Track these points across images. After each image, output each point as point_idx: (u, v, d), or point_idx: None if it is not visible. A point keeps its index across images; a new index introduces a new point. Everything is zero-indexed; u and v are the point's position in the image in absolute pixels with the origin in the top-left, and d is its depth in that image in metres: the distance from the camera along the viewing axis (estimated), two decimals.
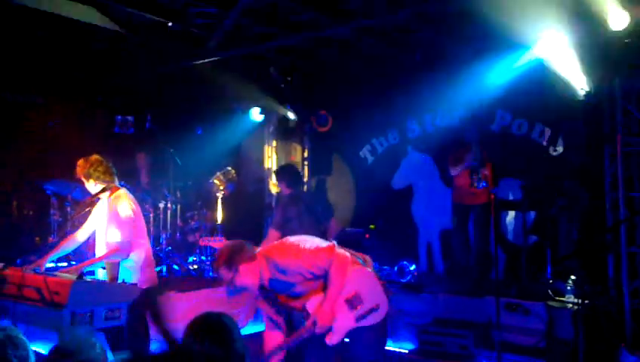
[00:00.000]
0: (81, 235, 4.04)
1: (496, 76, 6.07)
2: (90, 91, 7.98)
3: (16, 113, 7.48)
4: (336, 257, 3.12)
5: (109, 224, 3.81)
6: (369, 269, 3.32)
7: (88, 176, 3.85)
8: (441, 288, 5.78)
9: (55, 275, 3.50)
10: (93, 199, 3.86)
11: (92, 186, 3.87)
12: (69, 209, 6.56)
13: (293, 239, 3.26)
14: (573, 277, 4.95)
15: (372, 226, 7.36)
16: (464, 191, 5.76)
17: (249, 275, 3.06)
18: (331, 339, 3.13)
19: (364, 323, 3.16)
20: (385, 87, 7.12)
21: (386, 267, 6.61)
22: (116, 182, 3.96)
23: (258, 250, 3.22)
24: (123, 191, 3.97)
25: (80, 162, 3.90)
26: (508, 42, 5.64)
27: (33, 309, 3.34)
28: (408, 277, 6.00)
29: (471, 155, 5.56)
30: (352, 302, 3.14)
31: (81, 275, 3.27)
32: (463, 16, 5.55)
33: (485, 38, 5.72)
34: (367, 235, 7.28)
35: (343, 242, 7.06)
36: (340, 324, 3.13)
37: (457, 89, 6.37)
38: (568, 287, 4.90)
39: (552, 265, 5.27)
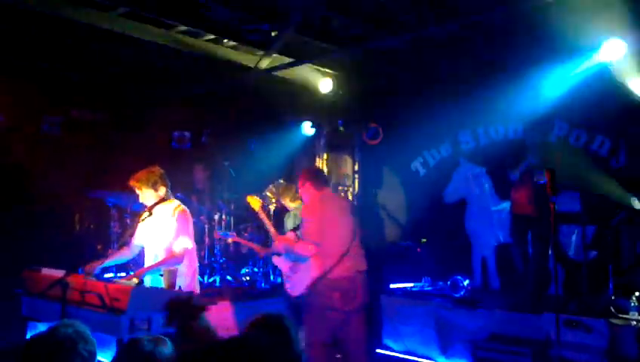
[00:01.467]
0: (134, 245, 4.19)
1: (554, 85, 5.92)
2: (149, 107, 8.29)
3: (80, 128, 7.84)
4: None
5: (165, 233, 3.93)
6: None
7: (145, 187, 3.99)
8: (497, 303, 5.62)
9: (115, 282, 3.63)
10: (151, 209, 4.00)
11: (147, 197, 4.01)
12: (128, 221, 6.80)
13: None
14: (637, 293, 4.72)
15: (423, 240, 7.28)
16: (523, 202, 5.59)
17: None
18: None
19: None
20: (437, 98, 7.06)
21: (439, 282, 6.51)
22: (170, 194, 4.10)
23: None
24: (177, 202, 4.10)
25: (137, 174, 4.05)
26: (566, 50, 5.51)
27: (95, 315, 3.47)
28: (462, 292, 5.87)
29: (530, 157, 5.43)
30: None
31: (140, 282, 3.38)
32: (518, 24, 5.46)
33: (542, 46, 5.61)
34: (418, 249, 7.20)
35: (395, 255, 7.12)
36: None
37: (512, 99, 6.24)
38: (632, 304, 4.67)
39: (614, 281, 5.03)
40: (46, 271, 4.08)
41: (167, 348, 2.19)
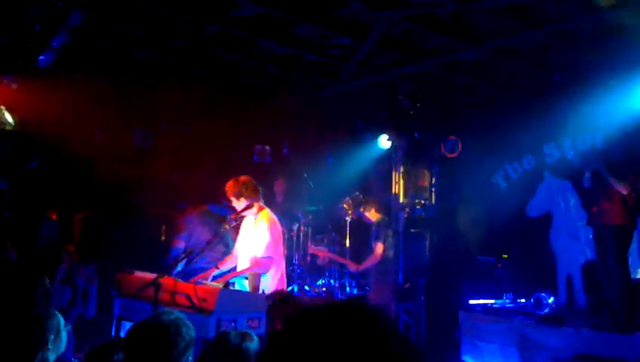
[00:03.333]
0: (236, 251, 4.39)
1: None
2: (233, 121, 8.64)
3: (168, 142, 8.29)
4: None
5: (254, 239, 4.09)
6: None
7: (239, 195, 4.19)
8: (584, 322, 5.36)
9: (204, 284, 3.82)
10: (238, 216, 4.18)
11: (240, 204, 4.20)
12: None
13: None
14: None
15: (504, 255, 7.08)
16: (602, 211, 5.32)
17: None
18: None
19: None
20: (519, 110, 6.89)
21: (521, 299, 6.30)
22: (262, 202, 4.27)
23: None
24: (268, 211, 4.26)
25: (231, 182, 4.26)
26: None
27: (184, 315, 3.67)
28: (546, 310, 5.65)
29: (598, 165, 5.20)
30: None
31: (227, 284, 3.54)
32: (605, 32, 5.26)
33: (630, 54, 5.36)
34: (499, 265, 7.00)
35: (474, 271, 6.96)
36: None
37: (601, 110, 5.99)
38: None
39: None
40: (139, 274, 4.35)
41: (254, 343, 2.29)
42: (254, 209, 4.18)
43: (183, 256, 4.11)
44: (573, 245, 6.75)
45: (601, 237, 5.35)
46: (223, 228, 4.35)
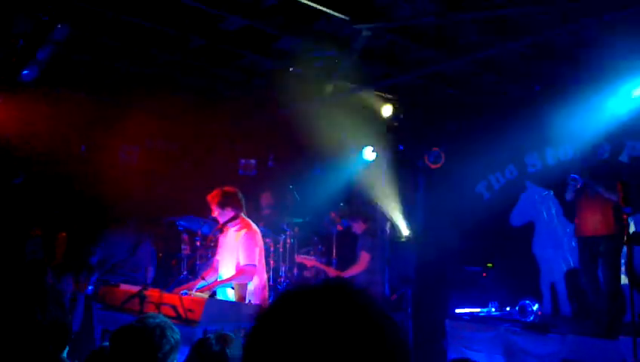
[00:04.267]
0: (216, 263, 4.41)
1: (623, 104, 5.76)
2: (217, 136, 8.66)
3: (153, 157, 8.29)
4: None
5: (238, 249, 4.11)
6: None
7: (223, 205, 4.22)
8: (569, 329, 5.41)
9: (190, 294, 3.81)
10: (221, 227, 4.20)
11: (224, 214, 4.23)
12: (198, 243, 7.07)
13: None
14: None
15: (489, 265, 7.14)
16: (589, 222, 5.35)
17: None
18: None
19: None
20: (501, 121, 7.00)
21: (506, 307, 6.36)
22: (244, 214, 4.30)
23: None
24: (250, 222, 4.29)
25: (216, 191, 4.29)
26: (632, 67, 5.38)
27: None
28: (531, 317, 5.70)
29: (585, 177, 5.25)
30: None
31: (213, 294, 3.54)
32: (583, 44, 5.40)
33: (609, 64, 5.49)
34: (484, 274, 7.07)
35: (460, 280, 7.01)
36: None
37: (581, 120, 6.09)
38: None
39: None
40: (124, 286, 4.34)
41: (235, 345, 2.30)
42: (233, 220, 4.22)
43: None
44: (557, 253, 6.84)
45: (589, 247, 5.35)
46: (207, 242, 4.38)
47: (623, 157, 6.22)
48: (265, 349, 0.81)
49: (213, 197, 4.31)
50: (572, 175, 5.28)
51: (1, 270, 5.10)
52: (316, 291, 0.86)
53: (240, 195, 4.41)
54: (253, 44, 5.75)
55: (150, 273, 6.29)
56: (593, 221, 5.26)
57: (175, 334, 2.12)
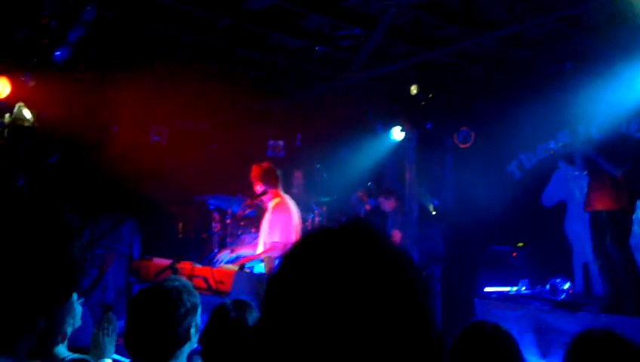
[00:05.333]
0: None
1: None
2: (245, 118, 8.72)
3: (183, 139, 8.41)
4: None
5: (268, 224, 4.18)
6: None
7: (257, 180, 4.31)
8: (600, 307, 5.33)
9: (220, 267, 3.89)
10: (254, 201, 4.27)
11: (256, 188, 4.33)
12: (228, 221, 7.17)
13: None
14: None
15: (520, 244, 7.06)
16: (596, 196, 5.28)
17: None
18: None
19: None
20: (532, 99, 6.86)
21: (537, 286, 6.29)
22: (281, 190, 4.39)
23: None
24: (283, 198, 4.35)
25: (253, 167, 4.41)
26: None
27: (201, 298, 3.75)
28: (562, 296, 5.64)
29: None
30: None
31: (242, 266, 3.60)
32: (614, 19, 5.24)
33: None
34: (514, 253, 6.99)
35: (490, 260, 6.95)
36: None
37: (615, 98, 5.94)
38: None
39: None
40: (157, 260, 4.45)
41: (253, 313, 2.33)
42: (270, 195, 4.29)
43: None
44: (588, 233, 6.70)
45: (597, 222, 5.31)
46: (237, 215, 4.47)
47: None
48: (284, 288, 0.83)
49: (252, 172, 4.49)
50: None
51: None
52: (337, 232, 0.87)
53: (273, 170, 4.53)
54: (279, 23, 5.74)
55: (135, 247, 6.53)
56: (600, 195, 5.21)
57: (192, 297, 2.14)
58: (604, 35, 5.67)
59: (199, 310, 2.17)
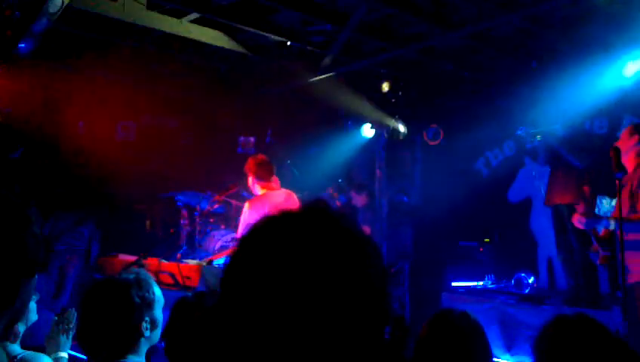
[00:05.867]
0: None
1: (620, 79, 5.75)
2: (215, 113, 8.65)
3: (151, 134, 8.29)
4: None
5: (241, 219, 4.19)
6: None
7: (251, 172, 4.35)
8: (563, 301, 5.48)
9: (187, 262, 3.86)
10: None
11: (252, 182, 4.36)
12: (197, 219, 7.11)
13: None
14: None
15: (487, 240, 7.19)
16: (557, 190, 5.44)
17: None
18: None
19: None
20: (499, 97, 6.99)
21: (503, 280, 6.42)
22: (274, 184, 4.42)
23: None
24: (270, 193, 4.36)
25: (249, 159, 4.49)
26: (629, 41, 5.36)
27: (168, 293, 3.71)
28: (527, 290, 5.77)
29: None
30: None
31: (210, 261, 3.58)
32: (581, 18, 5.38)
33: (606, 38, 5.47)
34: (481, 249, 7.12)
35: (456, 255, 7.07)
36: None
37: (579, 96, 6.10)
38: None
39: None
40: (122, 256, 4.39)
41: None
42: (257, 189, 4.36)
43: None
44: (553, 229, 6.86)
45: (559, 216, 5.46)
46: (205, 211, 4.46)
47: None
48: (241, 269, 0.83)
49: (245, 166, 4.57)
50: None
51: None
52: (294, 213, 0.88)
53: (266, 163, 4.61)
54: (249, 17, 5.71)
55: (94, 246, 6.47)
56: (561, 190, 5.36)
57: (142, 292, 2.07)
58: (569, 34, 5.81)
59: (157, 304, 2.12)
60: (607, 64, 5.75)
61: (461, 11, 5.59)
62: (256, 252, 0.83)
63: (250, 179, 4.47)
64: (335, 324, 0.77)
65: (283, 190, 4.62)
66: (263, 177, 4.40)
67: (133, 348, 2.02)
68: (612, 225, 3.69)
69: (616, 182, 3.45)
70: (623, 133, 4.13)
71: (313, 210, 0.88)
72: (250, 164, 4.52)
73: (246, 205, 4.21)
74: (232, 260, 0.87)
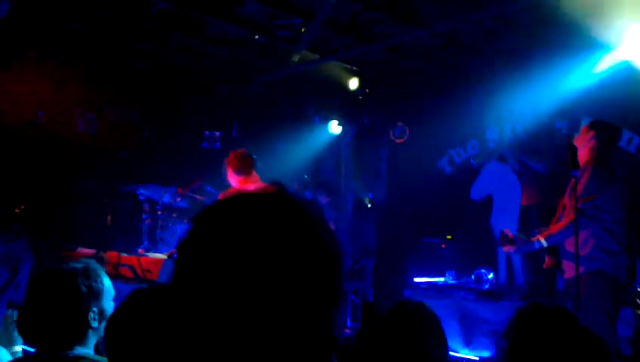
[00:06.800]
0: None
1: (580, 81, 5.92)
2: (180, 107, 8.53)
3: (113, 127, 8.12)
4: None
5: None
6: None
7: (230, 167, 4.31)
8: (523, 296, 5.62)
9: (148, 256, 3.80)
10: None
11: (232, 177, 4.32)
12: (159, 213, 7.00)
13: None
14: None
15: (449, 236, 7.30)
16: (525, 192, 5.62)
17: None
18: None
19: None
20: (463, 96, 7.10)
21: (463, 276, 6.53)
22: (254, 179, 4.39)
23: None
24: (231, 187, 4.32)
25: (230, 153, 4.43)
26: (591, 44, 5.52)
27: (128, 287, 3.65)
28: (486, 286, 5.88)
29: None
30: None
31: (171, 254, 3.53)
32: (544, 19, 5.50)
33: (569, 41, 5.62)
34: (443, 245, 7.23)
35: (419, 252, 7.15)
36: None
37: (540, 96, 6.25)
38: None
39: None
40: (81, 250, 4.29)
41: None
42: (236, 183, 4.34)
43: None
44: (513, 226, 7.01)
45: (527, 216, 5.61)
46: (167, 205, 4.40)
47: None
48: (191, 245, 0.83)
49: (226, 161, 4.52)
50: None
51: None
52: (249, 194, 0.88)
53: (245, 157, 4.58)
54: (216, 9, 5.64)
55: (25, 267, 6.01)
56: (529, 192, 5.52)
57: (90, 281, 2.01)
58: (532, 35, 5.95)
59: (106, 295, 2.08)
60: (569, 66, 5.90)
61: (428, 10, 5.65)
62: (205, 229, 0.83)
63: (229, 173, 4.45)
64: (284, 304, 0.78)
65: (262, 184, 4.60)
66: (241, 171, 4.41)
67: (80, 339, 1.97)
68: (544, 243, 3.88)
69: (572, 179, 3.57)
70: (581, 129, 4.28)
71: (268, 192, 0.88)
72: (229, 157, 4.52)
73: (219, 198, 4.19)
74: (183, 238, 0.87)
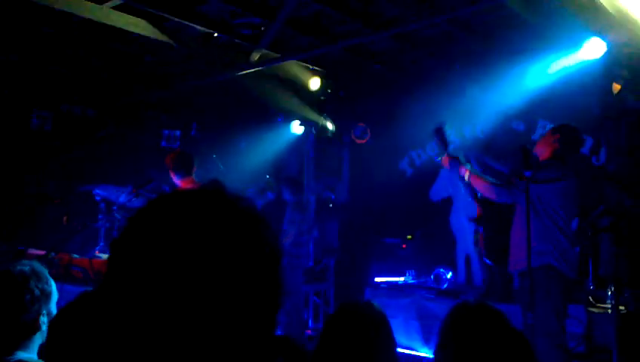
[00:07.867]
0: None
1: (536, 83, 6.06)
2: (138, 105, 8.37)
3: (68, 125, 7.91)
4: None
5: None
6: None
7: (170, 168, 4.25)
8: (480, 295, 5.71)
9: (102, 257, 3.70)
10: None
11: (174, 177, 4.25)
12: (116, 213, 6.83)
13: None
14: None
15: (409, 237, 7.37)
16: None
17: None
18: None
19: None
20: (424, 98, 7.18)
21: (423, 275, 6.61)
22: (194, 178, 4.33)
23: None
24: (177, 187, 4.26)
25: (169, 154, 4.36)
26: (548, 48, 5.66)
27: (79, 289, 3.54)
28: (445, 285, 5.97)
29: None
30: None
31: None
32: (501, 21, 5.62)
33: (525, 43, 5.75)
34: (403, 246, 7.29)
35: (380, 252, 7.20)
36: None
37: (497, 99, 6.38)
38: (609, 294, 4.78)
39: (593, 272, 5.15)
40: (31, 251, 4.15)
41: None
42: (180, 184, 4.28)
43: None
44: (471, 227, 7.13)
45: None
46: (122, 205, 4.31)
47: (536, 136, 6.59)
48: (125, 249, 0.80)
49: (166, 162, 4.45)
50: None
51: None
52: (184, 191, 0.86)
53: (184, 156, 4.51)
54: (175, 6, 5.55)
55: None
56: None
57: (42, 284, 1.96)
58: (489, 38, 6.06)
59: (54, 298, 2.02)
60: (526, 68, 6.03)
61: (389, 12, 5.69)
62: (138, 227, 0.80)
63: (170, 173, 4.40)
64: (216, 303, 0.75)
65: (199, 184, 4.56)
66: (180, 171, 4.37)
67: (23, 343, 1.90)
68: (466, 178, 4.29)
69: (525, 180, 3.65)
70: (547, 132, 4.40)
71: (204, 189, 0.86)
72: (168, 158, 4.46)
73: None
74: (116, 237, 0.83)
